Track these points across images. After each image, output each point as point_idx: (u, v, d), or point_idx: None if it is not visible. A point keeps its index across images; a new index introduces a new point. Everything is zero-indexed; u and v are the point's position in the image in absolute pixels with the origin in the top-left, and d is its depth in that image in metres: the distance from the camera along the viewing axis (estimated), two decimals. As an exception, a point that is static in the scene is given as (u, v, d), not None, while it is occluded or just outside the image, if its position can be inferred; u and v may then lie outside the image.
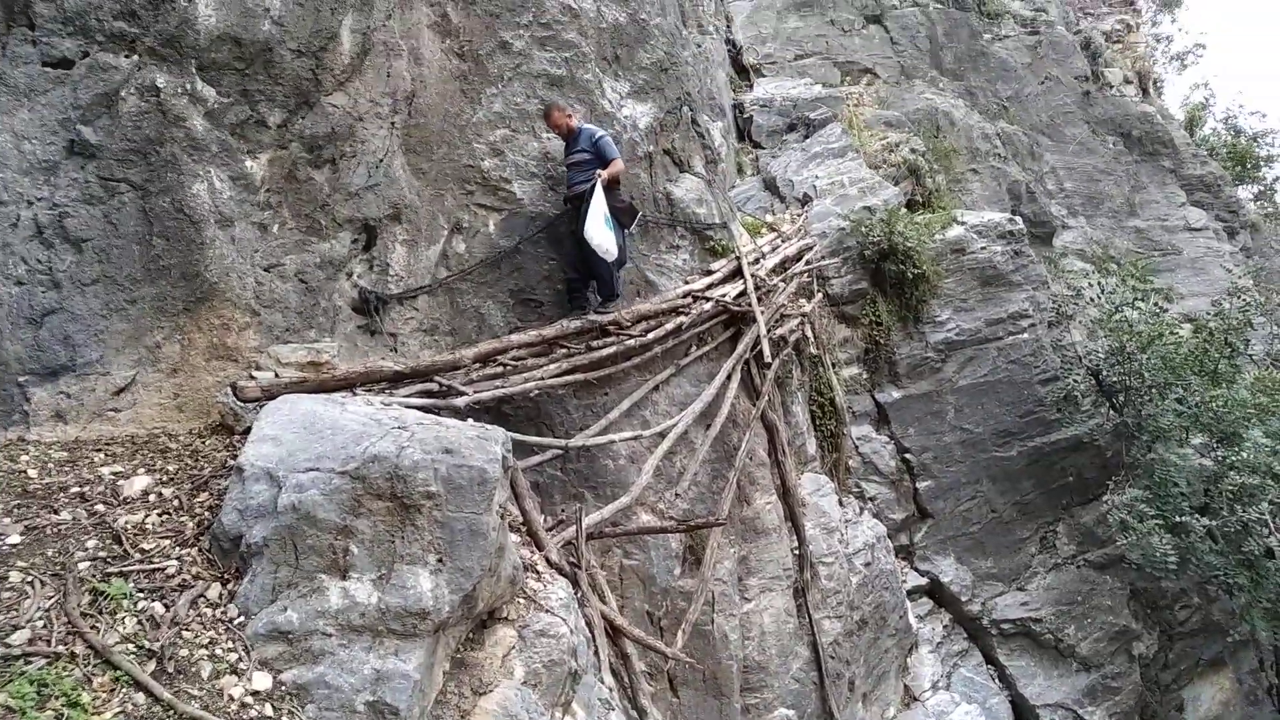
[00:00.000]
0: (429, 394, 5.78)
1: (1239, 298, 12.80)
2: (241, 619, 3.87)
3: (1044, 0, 21.00)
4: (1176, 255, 18.87)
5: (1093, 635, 12.37)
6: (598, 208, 6.77)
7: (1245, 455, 10.77)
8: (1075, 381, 12.76)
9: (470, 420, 5.04)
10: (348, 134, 6.25)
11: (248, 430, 4.65)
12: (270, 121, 5.87)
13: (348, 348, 6.15)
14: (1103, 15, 23.51)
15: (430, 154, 6.74)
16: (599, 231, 6.73)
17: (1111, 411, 12.98)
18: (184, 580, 3.99)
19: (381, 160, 6.43)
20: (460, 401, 5.72)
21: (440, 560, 4.17)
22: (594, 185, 6.84)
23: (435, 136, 6.79)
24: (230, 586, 4.02)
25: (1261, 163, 26.32)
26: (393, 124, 6.50)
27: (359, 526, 4.07)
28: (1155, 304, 12.80)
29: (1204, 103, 29.16)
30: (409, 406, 5.27)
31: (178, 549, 4.15)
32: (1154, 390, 12.21)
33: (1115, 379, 12.85)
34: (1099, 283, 13.59)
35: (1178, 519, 11.04)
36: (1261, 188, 26.67)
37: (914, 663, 11.10)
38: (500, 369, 6.39)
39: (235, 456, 4.51)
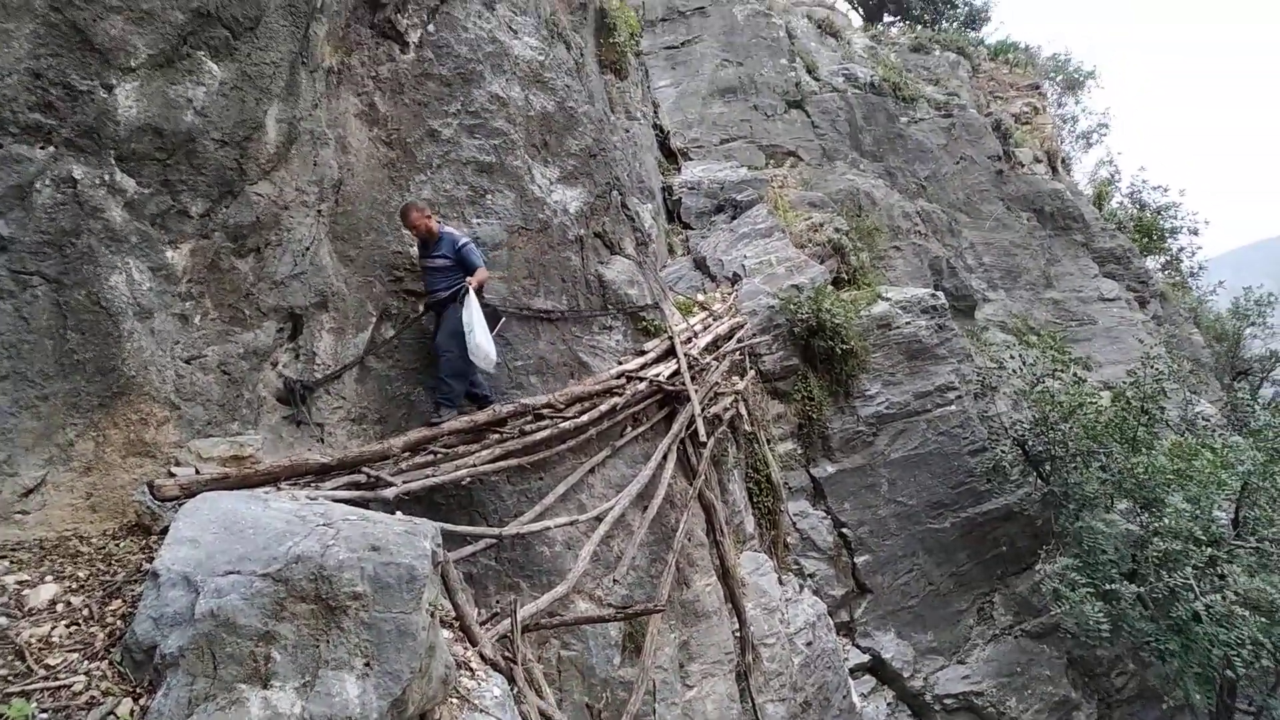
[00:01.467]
0: (357, 486, 5.63)
1: (1153, 366, 13.31)
2: (154, 737, 3.63)
3: (956, 85, 22.07)
4: (1092, 325, 19.60)
5: (1034, 707, 12.42)
6: (479, 319, 6.56)
7: (1167, 521, 11.06)
8: (1003, 452, 13.07)
9: (399, 512, 4.92)
10: (273, 222, 6.18)
11: (165, 530, 4.45)
12: (193, 211, 5.76)
13: (273, 440, 5.97)
14: (1011, 99, 24.71)
15: (358, 241, 6.70)
16: (487, 341, 6.55)
17: (1039, 480, 13.30)
18: (92, 698, 3.74)
19: (308, 248, 6.36)
20: (389, 493, 5.57)
21: (368, 664, 3.99)
22: (464, 295, 6.64)
23: (363, 224, 6.77)
24: (143, 702, 3.77)
25: (1166, 234, 27.59)
26: (319, 212, 6.45)
27: (282, 631, 3.88)
28: (1075, 374, 13.23)
29: (1110, 178, 30.66)
30: (336, 500, 5.12)
31: (86, 663, 3.91)
32: (1078, 459, 12.57)
33: (1041, 448, 13.21)
34: (1020, 355, 14.03)
35: (1108, 586, 11.26)
36: (1168, 258, 27.92)
37: (859, 743, 10.97)
38: (431, 457, 6.27)
39: (151, 559, 4.30)
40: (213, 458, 5.54)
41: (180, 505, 4.63)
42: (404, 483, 5.77)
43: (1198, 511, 11.35)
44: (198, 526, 4.27)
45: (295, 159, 6.38)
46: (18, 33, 4.85)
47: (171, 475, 5.19)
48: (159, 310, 5.54)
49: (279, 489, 5.24)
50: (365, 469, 5.75)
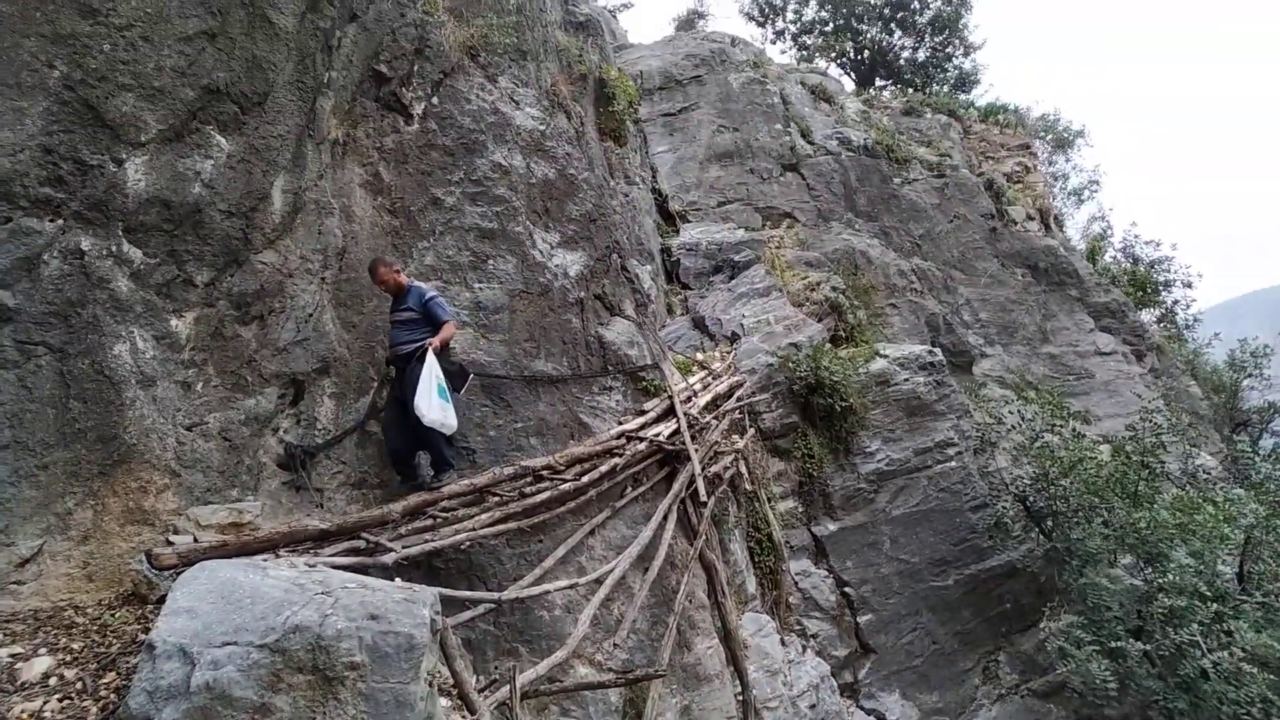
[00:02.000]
0: (356, 551, 5.61)
1: (1152, 420, 13.30)
2: (147, 816, 3.58)
3: (948, 146, 22.45)
4: (1090, 379, 19.64)
5: (1043, 770, 12.18)
6: (429, 378, 6.28)
7: (1171, 577, 10.97)
8: (1004, 508, 13.02)
9: (398, 579, 4.90)
10: (277, 290, 6.27)
11: (162, 599, 4.43)
12: (198, 280, 5.85)
13: (272, 506, 5.98)
14: (1002, 158, 25.10)
15: (360, 307, 6.78)
16: (430, 405, 6.23)
17: (1041, 536, 13.22)
18: (85, 773, 3.70)
19: (311, 315, 6.44)
20: (388, 558, 5.55)
21: (365, 735, 3.96)
22: (423, 353, 6.39)
23: (366, 290, 6.85)
24: (134, 779, 3.73)
25: (1160, 288, 27.82)
26: (323, 279, 6.54)
27: (278, 703, 3.85)
28: (1073, 429, 13.23)
29: (1102, 234, 30.99)
30: (335, 567, 5.10)
31: (79, 738, 3.88)
32: (1079, 514, 12.50)
33: (1042, 504, 13.15)
34: (1019, 409, 14.03)
35: (1114, 643, 11.11)
36: (1162, 311, 28.09)
37: (865, 810, 10.74)
38: (430, 521, 6.26)
39: (147, 630, 4.28)
40: (211, 525, 5.54)
41: (178, 574, 4.62)
42: (403, 548, 5.75)
43: (1202, 566, 11.25)
44: (195, 596, 4.25)
45: (300, 228, 6.49)
46: (31, 110, 4.98)
47: (169, 543, 5.18)
48: (162, 378, 5.59)
49: (278, 556, 5.22)
50: (364, 534, 5.74)
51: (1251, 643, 10.04)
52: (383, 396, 6.82)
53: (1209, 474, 15.42)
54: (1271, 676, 9.90)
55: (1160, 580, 11.13)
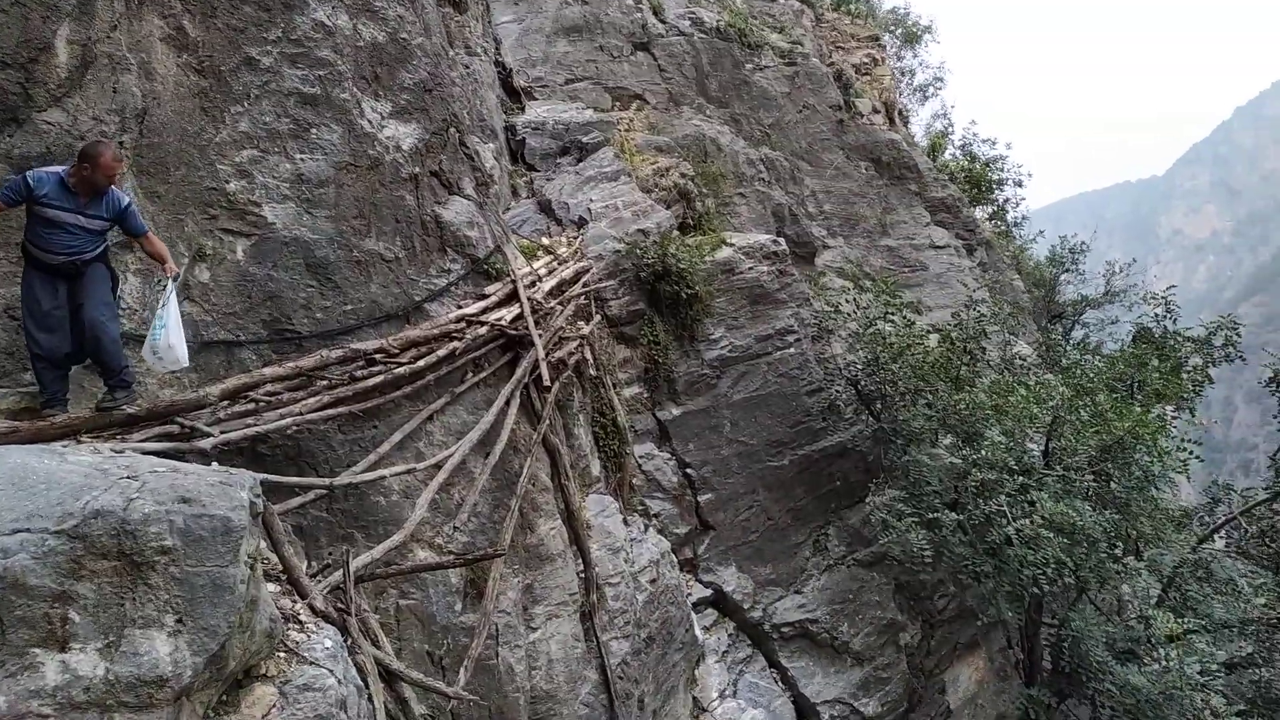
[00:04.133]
0: (170, 437, 5.31)
1: (976, 309, 14.10)
2: (-69, 709, 3.35)
3: (800, 34, 22.41)
4: (924, 271, 20.58)
5: (864, 631, 13.20)
6: (176, 313, 5.54)
7: (985, 453, 11.86)
8: (837, 392, 13.67)
9: (216, 464, 4.67)
10: (66, 153, 5.64)
11: (-57, 490, 4.05)
12: (-32, 139, 5.21)
13: (73, 391, 5.52)
14: (852, 49, 25.33)
15: (167, 176, 6.22)
16: (181, 343, 5.51)
17: (870, 418, 14.00)
18: None
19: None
20: (206, 443, 5.29)
21: (180, 620, 3.83)
22: (167, 282, 5.60)
23: (173, 157, 6.27)
24: (-83, 673, 3.47)
25: (994, 185, 29.16)
26: (121, 143, 5.93)
27: (80, 591, 3.65)
28: (905, 317, 13.90)
29: (944, 131, 32.09)
30: (145, 453, 4.80)
31: None
32: (906, 397, 13.27)
33: (872, 388, 13.89)
34: (855, 299, 14.61)
35: (931, 515, 12.03)
36: (994, 208, 29.54)
37: (701, 674, 11.38)
38: (253, 406, 5.97)
39: (-74, 522, 3.91)
40: (2, 410, 5.08)
41: (-38, 462, 4.23)
42: (222, 433, 5.48)
43: (1012, 443, 12.22)
44: (-20, 483, 3.92)
45: (91, 85, 5.84)
46: None
47: (-49, 430, 4.73)
48: (-69, 249, 5.00)
49: (79, 442, 4.87)
50: (179, 419, 5.41)
51: (1050, 511, 11.02)
52: (194, 274, 6.32)
53: (1025, 361, 16.58)
54: (1065, 540, 10.95)
55: (975, 457, 12.01)
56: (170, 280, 5.59)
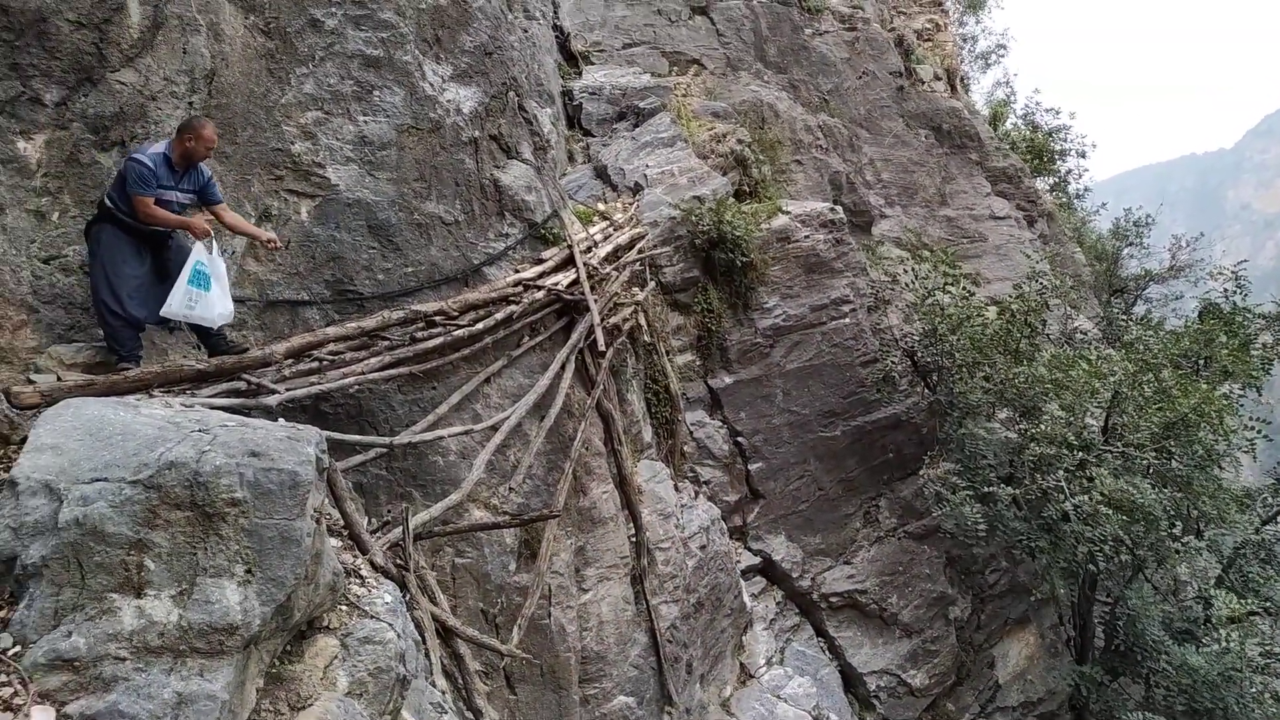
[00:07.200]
0: (237, 393, 5.42)
1: (1037, 282, 13.80)
2: (17, 649, 3.48)
3: (860, -1, 21.94)
4: (983, 242, 20.16)
5: (913, 603, 13.13)
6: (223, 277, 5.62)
7: (1044, 428, 11.66)
8: (893, 363, 13.50)
9: (282, 421, 4.76)
10: (139, 114, 5.77)
11: (24, 440, 4.20)
12: (46, 99, 5.33)
13: (145, 346, 5.67)
14: (914, 14, 24.72)
15: (234, 137, 6.31)
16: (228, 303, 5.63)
17: (926, 390, 13.83)
18: (-56, 611, 3.56)
19: (180, 143, 5.95)
20: (272, 400, 5.39)
21: (249, 571, 3.93)
22: (209, 241, 5.60)
23: (239, 118, 6.36)
24: (3, 614, 3.61)
25: (1056, 156, 28.40)
26: (190, 104, 6.03)
27: (155, 539, 3.77)
28: (964, 289, 13.65)
29: (1006, 100, 31.24)
30: (214, 408, 4.92)
31: (-63, 576, 3.70)
32: (963, 369, 13.06)
33: (929, 359, 13.70)
34: (913, 269, 14.37)
35: (986, 489, 11.88)
36: (1056, 179, 28.77)
37: (749, 641, 11.43)
38: (316, 364, 6.07)
39: (8, 470, 4.06)
40: (77, 364, 5.25)
41: (41, 413, 4.37)
42: (287, 390, 5.58)
43: (1071, 418, 11.99)
44: (61, 433, 4.06)
45: (162, 46, 5.94)
46: None
47: (31, 382, 4.88)
48: (11, 205, 5.17)
49: (151, 396, 5.00)
50: (245, 376, 5.53)
51: (1109, 487, 10.82)
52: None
53: (1085, 335, 16.22)
54: (1123, 518, 10.76)
55: (1033, 431, 11.82)
56: (212, 240, 5.64)
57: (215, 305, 5.50)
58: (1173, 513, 11.76)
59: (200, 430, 4.19)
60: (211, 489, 3.87)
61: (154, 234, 5.54)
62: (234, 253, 6.30)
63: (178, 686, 3.55)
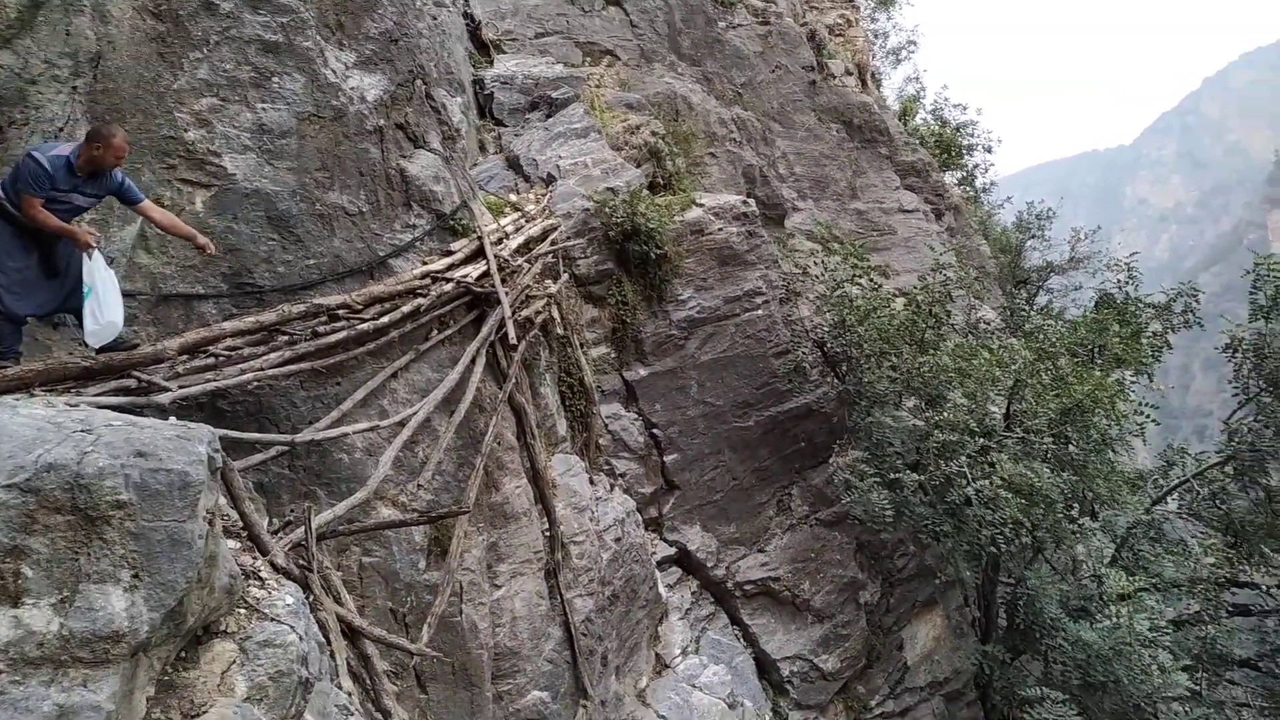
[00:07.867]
0: (126, 391, 5.22)
1: (942, 273, 14.21)
2: (-120, 665, 3.31)
3: (773, -8, 22.15)
4: (892, 235, 20.62)
5: (824, 589, 13.42)
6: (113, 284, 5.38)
7: (947, 415, 12.04)
8: (804, 354, 13.75)
9: (174, 420, 4.60)
10: (17, 98, 5.50)
11: (-111, 444, 3.96)
12: (-88, 81, 5.03)
13: (27, 344, 5.41)
14: (826, 9, 25.09)
15: (122, 123, 6.02)
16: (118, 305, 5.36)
17: (836, 380, 14.14)
18: None
19: (61, 128, 5.71)
20: (164, 398, 5.20)
21: (136, 576, 3.80)
22: (94, 257, 5.30)
23: (128, 104, 6.10)
24: None
25: (963, 151, 29.27)
26: (74, 88, 5.77)
27: (33, 545, 3.62)
28: (872, 281, 13.96)
29: (915, 95, 32.02)
30: (101, 407, 4.72)
31: None
32: (871, 359, 13.37)
33: (838, 350, 14.01)
34: (824, 261, 14.64)
35: (893, 476, 12.21)
36: (963, 173, 29.68)
37: (664, 631, 11.53)
38: (212, 360, 5.88)
39: None
40: (-50, 362, 4.97)
41: (-93, 414, 4.13)
42: (181, 388, 5.40)
43: (974, 406, 12.41)
44: (-73, 436, 3.84)
45: (43, 26, 5.66)
46: None
47: (-102, 382, 4.61)
48: (-127, 194, 4.84)
49: (31, 395, 4.78)
50: (136, 373, 5.32)
51: (1010, 472, 11.23)
52: (151, 226, 6.06)
53: (989, 325, 16.76)
54: (1023, 501, 11.18)
55: (937, 419, 12.18)
56: (95, 251, 5.35)
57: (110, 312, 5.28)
58: (1069, 495, 12.29)
59: (83, 430, 4.02)
60: (94, 491, 3.73)
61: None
62: (123, 242, 6.05)
63: (59, 699, 3.44)
